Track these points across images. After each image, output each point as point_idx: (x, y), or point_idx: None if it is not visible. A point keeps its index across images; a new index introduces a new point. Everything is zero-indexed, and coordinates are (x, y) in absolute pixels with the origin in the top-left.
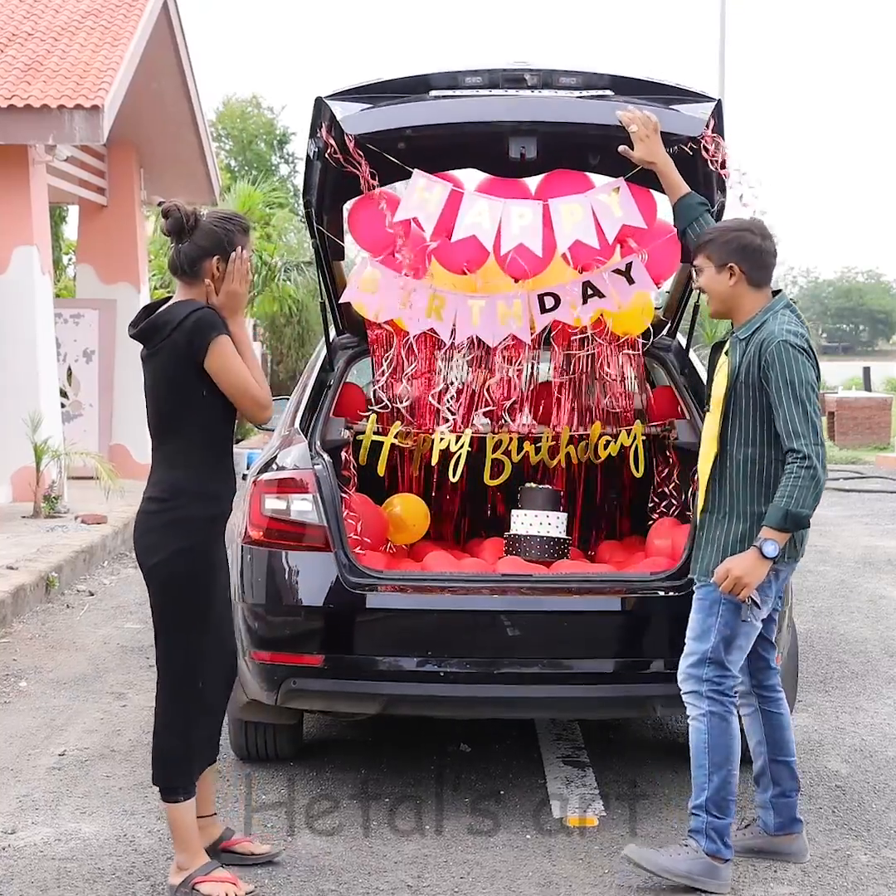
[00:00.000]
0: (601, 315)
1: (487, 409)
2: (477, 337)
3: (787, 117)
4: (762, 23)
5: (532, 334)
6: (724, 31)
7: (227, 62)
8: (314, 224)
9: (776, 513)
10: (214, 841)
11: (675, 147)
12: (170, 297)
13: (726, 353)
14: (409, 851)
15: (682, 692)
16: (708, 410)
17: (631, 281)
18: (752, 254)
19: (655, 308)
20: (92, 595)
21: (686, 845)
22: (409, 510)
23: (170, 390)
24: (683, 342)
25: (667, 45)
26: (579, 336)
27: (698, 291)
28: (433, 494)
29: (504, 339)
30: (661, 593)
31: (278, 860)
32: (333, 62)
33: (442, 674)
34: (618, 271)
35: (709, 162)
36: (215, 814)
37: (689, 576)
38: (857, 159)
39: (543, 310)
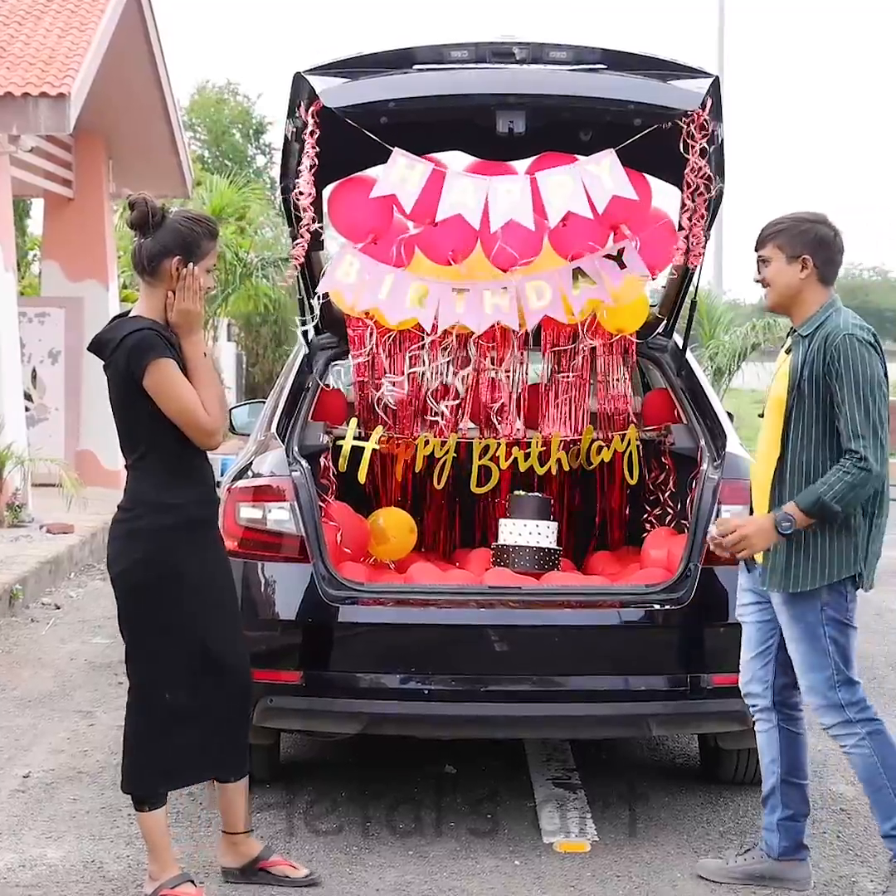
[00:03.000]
0: (594, 312)
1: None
2: (464, 336)
3: (790, 105)
4: (763, 12)
5: (521, 328)
6: (722, 22)
7: (201, 48)
8: (292, 211)
9: (809, 496)
10: (251, 859)
11: (669, 125)
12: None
13: (787, 352)
14: (391, 878)
15: (826, 728)
16: (762, 415)
17: (622, 265)
18: (826, 247)
19: (651, 305)
20: (58, 608)
21: None
22: (393, 524)
23: (121, 406)
24: (680, 342)
25: (663, 36)
26: (570, 333)
27: (757, 283)
28: (417, 502)
29: (492, 338)
30: (657, 606)
31: (319, 882)
32: (316, 49)
33: (426, 691)
34: (609, 256)
35: (703, 140)
36: (251, 831)
37: (772, 589)
38: (861, 151)
39: (533, 303)
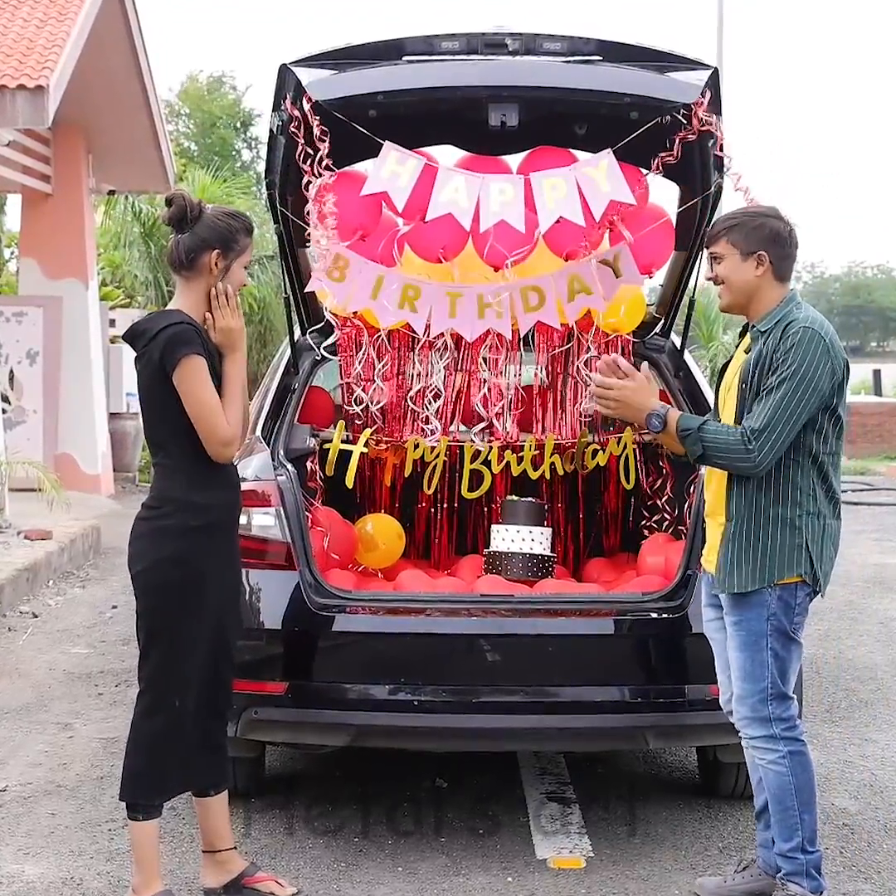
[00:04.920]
0: (589, 311)
1: (483, 425)
2: (455, 338)
3: (791, 101)
4: (765, 9)
5: (514, 334)
6: (722, 11)
7: (198, 37)
8: (277, 207)
9: (693, 422)
10: (235, 876)
11: (667, 119)
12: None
13: (746, 352)
14: (380, 895)
15: (749, 738)
16: (712, 410)
17: (618, 274)
18: (781, 243)
19: (648, 304)
20: (36, 617)
21: (789, 894)
22: (382, 530)
23: (150, 401)
24: (678, 342)
25: (661, 27)
26: (565, 334)
27: (710, 281)
28: (407, 508)
29: (485, 340)
30: (654, 615)
31: None
32: (310, 40)
33: (416, 703)
34: (605, 262)
35: (702, 135)
36: (235, 847)
37: (719, 591)
38: (864, 145)
39: (527, 308)
